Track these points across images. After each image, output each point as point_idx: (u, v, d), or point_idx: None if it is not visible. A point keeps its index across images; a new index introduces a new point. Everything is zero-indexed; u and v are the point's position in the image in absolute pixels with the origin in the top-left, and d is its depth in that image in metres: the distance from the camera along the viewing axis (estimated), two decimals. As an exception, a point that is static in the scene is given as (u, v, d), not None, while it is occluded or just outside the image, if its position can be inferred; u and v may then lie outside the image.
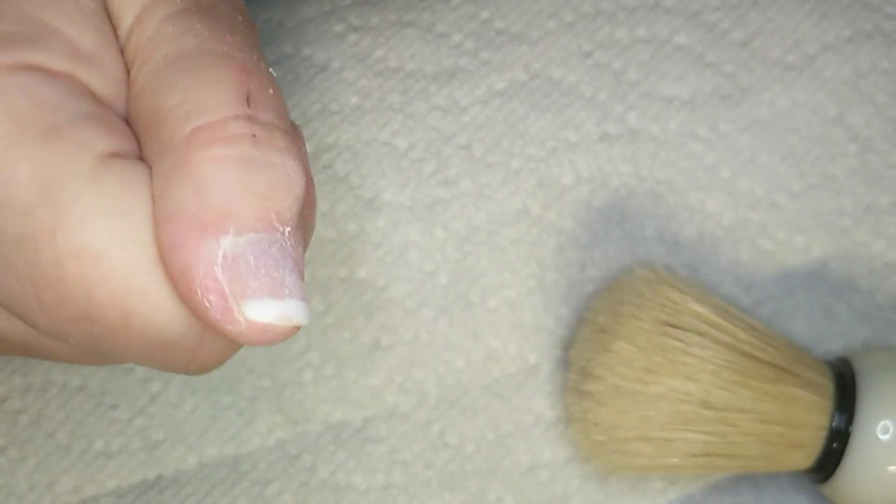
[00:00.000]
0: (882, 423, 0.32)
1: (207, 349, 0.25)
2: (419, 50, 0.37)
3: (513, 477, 0.36)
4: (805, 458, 0.33)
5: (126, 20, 0.25)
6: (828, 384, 0.33)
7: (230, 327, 0.23)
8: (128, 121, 0.25)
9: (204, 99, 0.23)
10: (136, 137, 0.25)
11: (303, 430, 0.36)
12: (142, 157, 0.24)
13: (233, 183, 0.23)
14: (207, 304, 0.23)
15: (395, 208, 0.36)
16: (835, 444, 0.33)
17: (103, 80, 0.25)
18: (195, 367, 0.25)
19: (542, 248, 0.37)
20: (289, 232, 0.23)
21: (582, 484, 0.36)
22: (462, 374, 0.36)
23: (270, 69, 0.26)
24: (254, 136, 0.23)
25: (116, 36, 0.25)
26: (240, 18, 0.26)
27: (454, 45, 0.37)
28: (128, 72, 0.25)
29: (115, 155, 0.23)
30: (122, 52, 0.25)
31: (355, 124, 0.37)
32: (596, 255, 0.37)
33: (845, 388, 0.33)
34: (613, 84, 0.37)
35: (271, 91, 0.24)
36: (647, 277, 0.34)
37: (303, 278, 0.24)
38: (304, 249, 0.25)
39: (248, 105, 0.23)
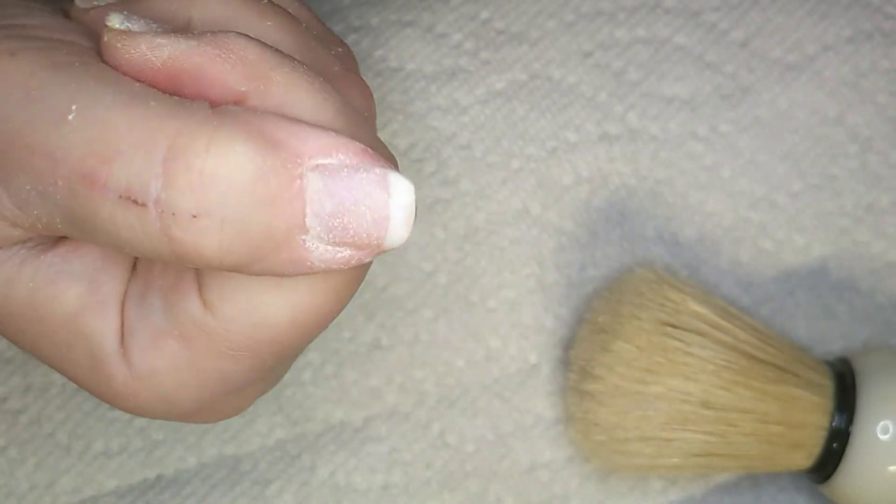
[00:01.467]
0: (882, 423, 0.32)
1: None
2: (419, 50, 0.37)
3: (513, 477, 0.36)
4: (805, 458, 0.33)
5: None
6: (828, 384, 0.33)
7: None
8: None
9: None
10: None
11: (303, 430, 0.36)
12: None
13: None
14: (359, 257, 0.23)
15: (395, 208, 0.36)
16: (835, 444, 0.33)
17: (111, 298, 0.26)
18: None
19: (542, 248, 0.37)
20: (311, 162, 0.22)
21: (582, 484, 0.36)
22: (462, 374, 0.36)
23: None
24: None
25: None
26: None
27: (454, 45, 0.37)
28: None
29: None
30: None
31: (355, 124, 0.37)
32: (596, 255, 0.37)
33: (845, 388, 0.33)
34: (613, 84, 0.37)
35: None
36: (647, 277, 0.34)
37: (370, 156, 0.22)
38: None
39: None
